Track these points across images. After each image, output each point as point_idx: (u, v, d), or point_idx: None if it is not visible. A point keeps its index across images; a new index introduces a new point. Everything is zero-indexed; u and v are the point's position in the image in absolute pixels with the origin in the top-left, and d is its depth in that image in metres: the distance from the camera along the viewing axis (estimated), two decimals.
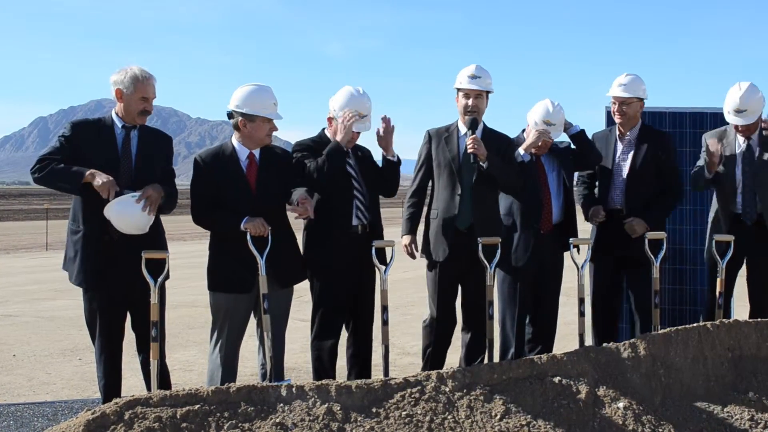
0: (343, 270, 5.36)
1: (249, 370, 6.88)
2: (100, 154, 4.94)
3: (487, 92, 5.76)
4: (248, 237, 4.89)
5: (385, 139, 5.55)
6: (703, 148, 6.13)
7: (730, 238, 5.69)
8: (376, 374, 5.10)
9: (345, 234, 5.38)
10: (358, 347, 5.55)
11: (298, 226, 5.29)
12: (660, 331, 4.80)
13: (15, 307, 12.33)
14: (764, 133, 6.01)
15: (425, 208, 5.91)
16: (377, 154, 5.66)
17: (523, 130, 6.08)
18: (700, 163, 6.13)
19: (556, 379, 4.43)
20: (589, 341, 5.15)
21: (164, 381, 5.09)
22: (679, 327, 4.85)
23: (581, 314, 5.33)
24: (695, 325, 4.89)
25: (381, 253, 5.16)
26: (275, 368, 5.01)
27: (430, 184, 5.86)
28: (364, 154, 5.64)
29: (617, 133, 6.14)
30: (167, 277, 4.76)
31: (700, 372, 4.74)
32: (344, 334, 5.64)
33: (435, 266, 5.72)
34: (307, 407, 4.03)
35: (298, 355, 8.03)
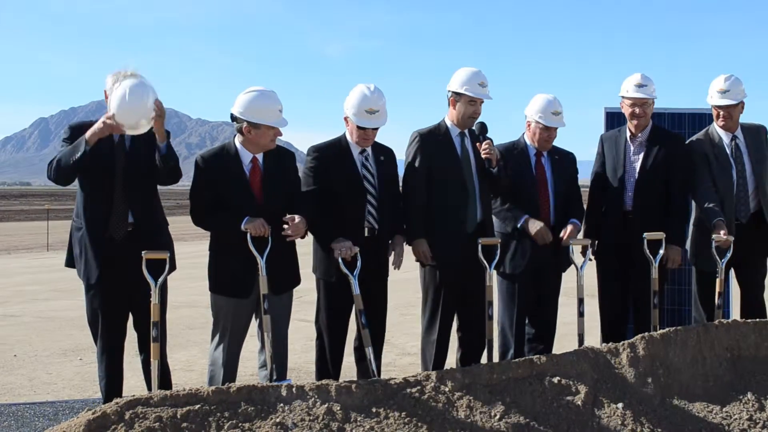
0: (343, 277, 5.34)
1: (249, 371, 6.89)
2: (98, 155, 4.96)
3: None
4: (248, 237, 4.90)
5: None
6: (696, 156, 6.12)
7: (730, 238, 5.70)
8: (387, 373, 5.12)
9: (354, 238, 5.32)
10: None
11: None
12: (659, 332, 4.81)
13: (16, 307, 12.35)
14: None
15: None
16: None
17: (524, 134, 6.08)
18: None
19: (556, 379, 4.44)
20: (591, 342, 5.15)
21: (165, 381, 5.11)
22: (678, 327, 4.86)
23: (580, 314, 5.34)
24: (694, 325, 4.90)
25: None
26: (278, 369, 5.01)
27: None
28: (386, 159, 5.61)
29: (628, 134, 6.09)
30: (174, 267, 4.77)
31: (699, 372, 4.75)
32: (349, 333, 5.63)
33: (443, 272, 5.66)
34: (307, 407, 4.04)
35: (298, 355, 8.04)
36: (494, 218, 5.94)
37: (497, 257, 5.32)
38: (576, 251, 5.76)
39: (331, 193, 5.37)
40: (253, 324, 5.28)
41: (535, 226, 5.78)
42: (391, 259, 5.64)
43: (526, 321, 6.03)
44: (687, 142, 6.20)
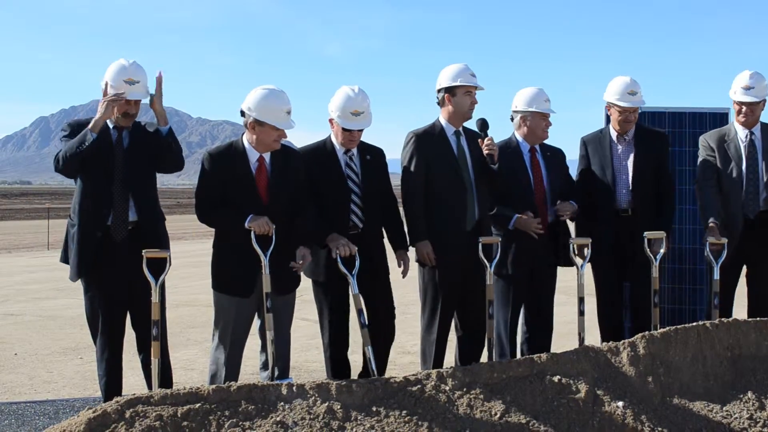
0: (333, 276, 5.36)
1: (250, 369, 6.89)
2: (96, 154, 4.97)
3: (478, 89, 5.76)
4: (252, 235, 4.90)
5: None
6: (701, 148, 6.15)
7: (724, 240, 5.73)
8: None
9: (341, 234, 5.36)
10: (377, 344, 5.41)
11: None
12: (659, 331, 4.80)
13: (16, 306, 12.36)
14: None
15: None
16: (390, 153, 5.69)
17: (514, 132, 6.08)
18: (703, 163, 6.11)
19: (556, 378, 4.44)
20: (592, 340, 5.15)
21: (167, 379, 5.12)
22: (679, 326, 4.85)
23: (581, 313, 5.34)
24: (694, 324, 4.89)
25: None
26: (280, 369, 5.01)
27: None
28: (373, 157, 5.61)
29: (614, 134, 6.12)
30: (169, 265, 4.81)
31: (700, 371, 4.75)
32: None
33: (442, 270, 5.67)
34: (307, 406, 4.04)
35: (299, 354, 8.05)
36: None
37: (497, 256, 5.33)
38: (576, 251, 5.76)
39: (317, 193, 5.39)
40: (255, 323, 5.28)
41: (523, 217, 5.79)
42: (400, 269, 5.68)
43: (523, 321, 6.05)
44: (701, 136, 6.26)
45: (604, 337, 6.01)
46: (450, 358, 6.03)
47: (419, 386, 4.25)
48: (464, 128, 5.77)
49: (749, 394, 4.68)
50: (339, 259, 5.14)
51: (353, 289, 5.09)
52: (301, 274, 5.30)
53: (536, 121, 5.92)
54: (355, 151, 5.52)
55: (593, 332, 6.03)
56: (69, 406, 6.13)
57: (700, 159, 6.19)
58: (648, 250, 5.55)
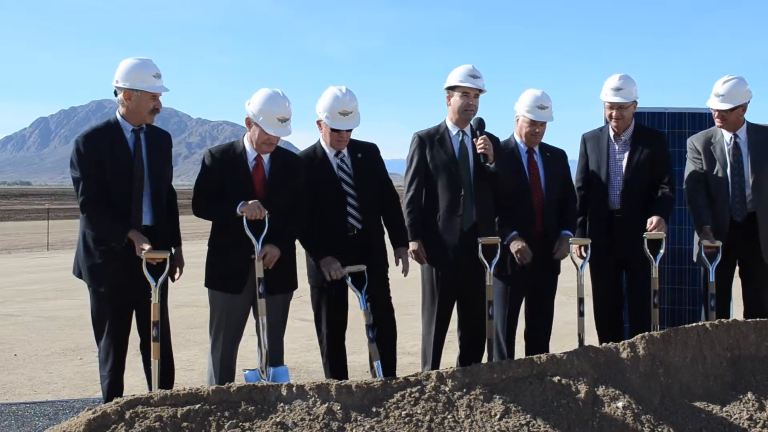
0: (330, 281, 5.35)
1: None
2: (114, 159, 4.98)
3: (482, 92, 5.76)
4: (245, 221, 4.93)
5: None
6: (689, 151, 6.13)
7: (718, 243, 5.73)
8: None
9: (339, 238, 5.38)
10: (382, 342, 5.37)
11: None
12: (659, 331, 4.81)
13: (16, 306, 12.35)
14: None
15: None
16: (384, 149, 5.68)
17: (513, 133, 6.08)
18: (690, 167, 6.11)
19: (556, 379, 4.44)
20: (592, 341, 5.15)
21: (169, 380, 5.13)
22: (678, 327, 4.85)
23: (581, 314, 5.34)
24: (694, 324, 4.89)
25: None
26: (271, 352, 5.00)
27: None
28: (365, 155, 5.61)
29: (611, 133, 6.10)
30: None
31: (699, 372, 4.75)
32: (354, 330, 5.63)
33: (439, 269, 5.70)
34: (307, 407, 4.05)
35: (299, 355, 8.05)
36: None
37: (498, 256, 5.32)
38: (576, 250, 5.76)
39: (313, 199, 5.39)
40: (252, 323, 5.28)
41: (517, 245, 5.77)
42: (399, 267, 5.68)
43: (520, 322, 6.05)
44: (689, 138, 6.21)
45: (602, 337, 6.01)
46: (451, 358, 6.03)
47: (419, 387, 4.26)
48: (470, 127, 5.76)
49: (749, 394, 4.68)
50: (348, 277, 5.19)
51: (361, 305, 5.13)
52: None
53: (526, 125, 5.92)
54: (345, 151, 5.51)
55: (593, 333, 6.04)
56: (69, 407, 6.13)
57: (688, 162, 6.18)
58: (647, 250, 5.55)
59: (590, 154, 6.18)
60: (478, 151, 5.58)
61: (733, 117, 5.98)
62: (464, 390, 4.29)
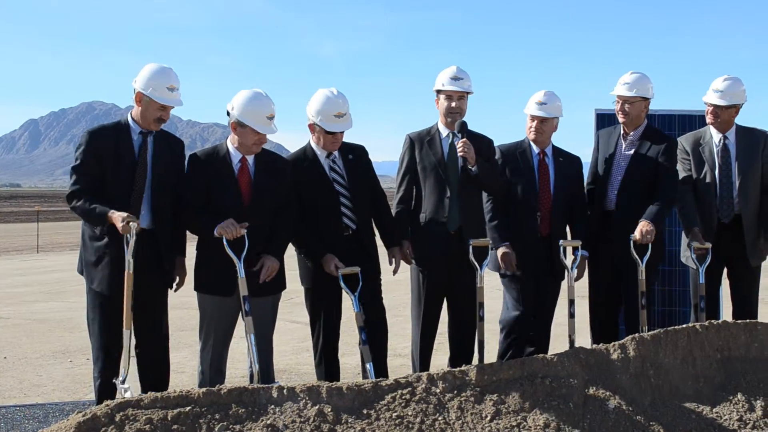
0: (323, 282, 5.38)
1: (240, 372, 6.89)
2: (118, 160, 5.00)
3: (468, 93, 5.77)
4: (224, 241, 4.91)
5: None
6: (678, 152, 6.10)
7: (708, 245, 5.75)
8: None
9: (334, 238, 5.40)
10: (374, 343, 5.40)
11: None
12: (649, 333, 4.82)
13: (5, 309, 12.30)
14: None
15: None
16: (373, 152, 5.69)
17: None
18: (678, 168, 6.09)
19: (547, 380, 4.44)
20: (582, 342, 5.16)
21: (163, 381, 5.15)
22: (669, 328, 4.86)
23: (571, 315, 5.35)
24: (684, 326, 4.90)
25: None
26: (261, 371, 4.99)
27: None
28: (355, 156, 5.62)
29: (621, 131, 6.07)
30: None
31: (689, 373, 4.76)
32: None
33: (424, 270, 5.71)
34: (298, 409, 4.04)
35: (289, 357, 8.04)
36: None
37: (488, 258, 5.33)
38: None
39: (305, 201, 5.40)
40: (241, 324, 5.28)
41: (501, 251, 5.81)
42: (391, 267, 5.70)
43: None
44: (678, 139, 6.21)
45: (596, 339, 6.01)
46: (443, 360, 6.04)
47: (410, 389, 4.26)
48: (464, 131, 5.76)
49: (739, 395, 4.69)
50: (341, 279, 5.21)
51: (354, 307, 5.15)
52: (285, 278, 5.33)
53: (527, 121, 5.95)
54: (336, 153, 5.53)
55: (584, 334, 6.04)
56: (59, 409, 6.11)
57: (677, 163, 6.14)
58: (634, 252, 5.57)
59: (601, 149, 6.18)
60: (459, 154, 5.58)
61: (725, 116, 6.00)
62: (455, 392, 4.30)
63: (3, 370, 7.97)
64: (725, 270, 6.18)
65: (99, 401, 4.93)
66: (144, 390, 4.98)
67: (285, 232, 5.25)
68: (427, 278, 5.70)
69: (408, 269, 5.80)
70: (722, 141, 6.04)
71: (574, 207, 6.02)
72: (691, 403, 4.63)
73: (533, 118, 5.93)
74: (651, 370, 4.65)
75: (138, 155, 5.04)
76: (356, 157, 5.61)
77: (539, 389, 4.39)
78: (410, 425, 4.08)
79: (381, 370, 5.37)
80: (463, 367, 4.49)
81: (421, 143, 5.76)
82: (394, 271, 5.70)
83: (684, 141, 6.17)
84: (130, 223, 4.76)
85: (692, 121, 7.10)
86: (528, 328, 5.96)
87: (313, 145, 5.53)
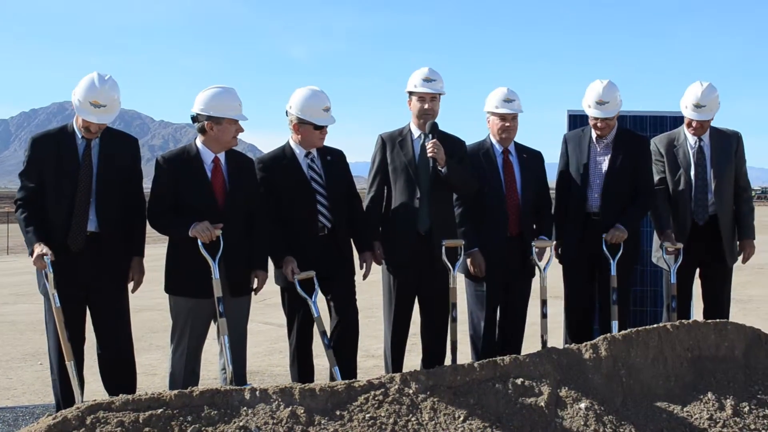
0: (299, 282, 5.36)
1: (212, 374, 6.85)
2: (60, 166, 4.96)
3: (440, 94, 5.77)
4: (199, 242, 4.88)
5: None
6: (651, 153, 6.15)
7: (680, 245, 5.81)
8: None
9: (310, 237, 5.39)
10: (343, 343, 5.44)
11: None
12: (621, 332, 4.85)
13: None
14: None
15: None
16: (352, 154, 5.69)
17: (489, 134, 6.08)
18: (652, 159, 6.14)
19: (519, 381, 4.46)
20: (554, 343, 5.18)
21: (131, 384, 5.11)
22: (640, 328, 4.89)
23: (543, 316, 5.38)
24: (655, 326, 4.94)
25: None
26: (236, 372, 4.98)
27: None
28: (333, 158, 5.62)
29: (594, 135, 6.07)
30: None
31: (661, 372, 4.79)
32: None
33: (395, 271, 5.70)
34: (270, 410, 4.03)
35: (262, 359, 8.01)
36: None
37: (461, 259, 5.34)
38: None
39: (282, 200, 5.40)
40: (214, 326, 5.26)
41: (471, 256, 5.82)
42: (362, 271, 5.70)
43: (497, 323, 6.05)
44: (651, 140, 6.24)
45: (573, 339, 6.04)
46: (415, 361, 6.04)
47: (383, 390, 4.25)
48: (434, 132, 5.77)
49: (709, 394, 4.73)
50: (297, 283, 5.17)
51: (314, 312, 5.12)
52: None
53: (494, 121, 5.94)
54: (315, 153, 5.53)
55: (556, 334, 6.07)
56: (29, 413, 6.06)
57: (651, 164, 6.19)
58: (606, 250, 5.63)
59: (571, 155, 6.17)
60: (428, 155, 5.57)
61: (708, 124, 6.06)
62: (428, 392, 4.30)
63: None
64: (697, 270, 6.23)
65: (59, 405, 4.94)
66: (109, 393, 4.94)
67: (263, 235, 5.25)
68: (397, 279, 5.69)
69: (380, 271, 5.79)
70: (698, 143, 6.06)
71: (540, 204, 6.04)
72: (663, 402, 4.66)
73: (503, 116, 5.91)
74: (623, 370, 4.68)
75: (82, 159, 5.00)
76: (334, 159, 5.62)
77: (512, 390, 4.41)
78: (383, 426, 4.08)
79: (350, 371, 5.36)
80: (436, 368, 4.50)
81: (392, 144, 5.75)
82: (365, 276, 5.69)
83: (658, 142, 6.19)
84: (44, 258, 4.77)
85: (663, 122, 7.15)
86: (493, 328, 5.97)
87: (293, 144, 5.52)
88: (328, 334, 5.27)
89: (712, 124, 6.13)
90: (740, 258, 6.23)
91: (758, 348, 5.06)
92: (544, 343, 5.32)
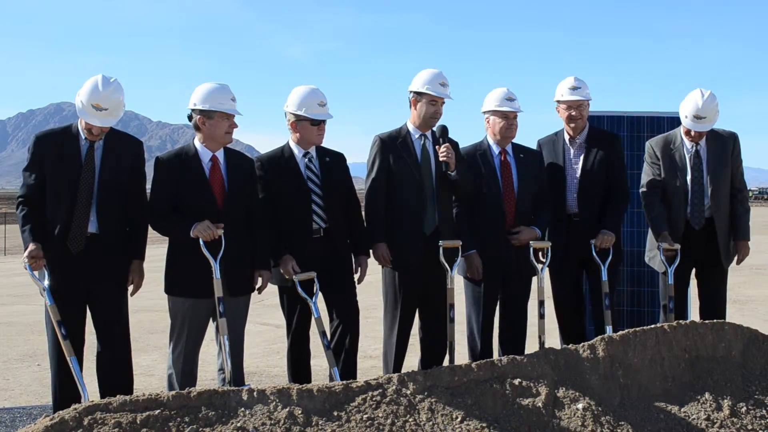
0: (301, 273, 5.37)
1: (210, 375, 6.85)
2: (62, 166, 4.95)
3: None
4: (201, 242, 4.89)
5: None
6: (646, 155, 6.16)
7: (677, 246, 5.82)
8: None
9: (304, 238, 5.40)
10: (342, 344, 5.45)
11: None
12: (618, 333, 4.85)
13: None
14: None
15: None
16: (353, 155, 5.69)
17: (486, 135, 6.08)
18: (647, 171, 6.15)
19: (516, 381, 4.46)
20: (552, 343, 5.19)
21: (128, 385, 5.10)
22: (637, 328, 4.90)
23: (541, 316, 5.39)
24: (653, 326, 4.94)
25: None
26: (234, 373, 4.99)
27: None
28: (333, 160, 5.62)
29: (566, 137, 6.13)
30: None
31: (658, 373, 4.80)
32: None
33: (401, 272, 5.69)
34: (268, 411, 4.03)
35: (260, 359, 8.01)
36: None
37: (458, 260, 5.34)
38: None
39: (278, 199, 5.41)
40: (211, 327, 5.25)
41: (469, 259, 5.81)
42: (356, 276, 5.69)
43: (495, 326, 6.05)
44: (647, 142, 6.26)
45: (565, 340, 6.06)
46: (413, 362, 6.03)
47: (380, 390, 4.25)
48: (432, 132, 5.77)
49: (706, 395, 4.74)
50: (298, 284, 5.18)
51: (314, 312, 5.12)
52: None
53: (495, 120, 5.93)
54: (314, 153, 5.53)
55: (554, 335, 6.07)
56: (26, 413, 6.06)
57: (645, 166, 6.20)
58: (596, 255, 5.65)
59: (547, 159, 6.19)
60: (441, 159, 5.57)
61: (706, 132, 6.06)
62: (426, 393, 4.30)
63: None
64: (693, 270, 6.23)
65: (56, 406, 4.94)
66: (104, 394, 4.94)
67: (263, 234, 5.26)
68: (404, 281, 5.66)
69: (376, 272, 5.78)
70: (694, 147, 6.03)
71: (539, 203, 6.02)
72: (660, 402, 4.66)
73: (506, 115, 5.90)
74: (620, 371, 4.68)
75: (84, 161, 5.00)
76: (334, 161, 5.62)
77: (509, 390, 4.41)
78: (381, 427, 4.08)
79: (350, 372, 5.36)
80: (434, 369, 4.50)
81: (393, 146, 5.71)
82: (359, 280, 5.68)
83: (654, 144, 6.17)
84: (34, 260, 4.80)
85: (660, 123, 7.14)
86: (490, 331, 5.97)
87: (292, 145, 5.53)
88: (328, 335, 5.26)
89: None
90: (735, 259, 6.24)
91: (756, 348, 5.06)
92: (541, 343, 5.33)
